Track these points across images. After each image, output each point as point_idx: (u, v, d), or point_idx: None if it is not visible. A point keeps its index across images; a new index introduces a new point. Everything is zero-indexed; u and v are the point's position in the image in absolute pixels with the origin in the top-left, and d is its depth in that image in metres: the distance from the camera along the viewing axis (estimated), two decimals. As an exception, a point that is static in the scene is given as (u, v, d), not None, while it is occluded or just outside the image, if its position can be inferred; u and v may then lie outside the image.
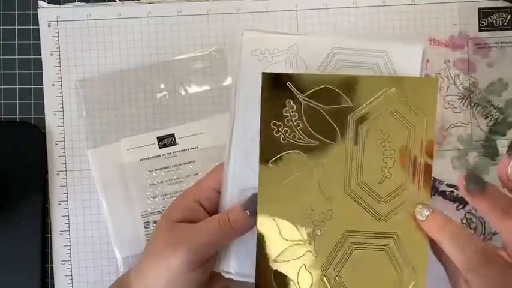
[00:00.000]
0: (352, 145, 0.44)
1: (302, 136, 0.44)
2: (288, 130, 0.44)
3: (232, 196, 0.46)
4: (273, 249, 0.44)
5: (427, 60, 0.52)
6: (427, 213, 0.42)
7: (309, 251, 0.44)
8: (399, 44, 0.45)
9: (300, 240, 0.44)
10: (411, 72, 0.45)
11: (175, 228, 0.45)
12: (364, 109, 0.44)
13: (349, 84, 0.44)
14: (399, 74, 0.45)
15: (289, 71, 0.46)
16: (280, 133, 0.44)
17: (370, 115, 0.44)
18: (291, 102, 0.44)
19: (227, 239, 0.45)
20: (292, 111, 0.44)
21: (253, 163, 0.45)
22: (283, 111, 0.44)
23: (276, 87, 0.44)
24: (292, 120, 0.44)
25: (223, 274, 0.47)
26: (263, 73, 0.44)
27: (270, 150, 0.44)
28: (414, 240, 0.43)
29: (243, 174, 0.46)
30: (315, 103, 0.44)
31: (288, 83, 0.44)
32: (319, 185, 0.44)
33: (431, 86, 0.44)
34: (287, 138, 0.44)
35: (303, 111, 0.44)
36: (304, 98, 0.44)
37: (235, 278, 0.46)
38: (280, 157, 0.44)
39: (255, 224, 0.45)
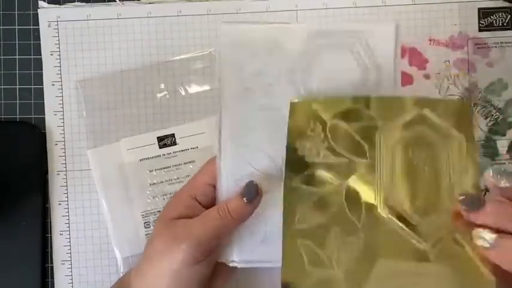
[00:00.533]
0: (382, 164, 0.42)
1: (328, 155, 0.43)
2: (313, 149, 0.43)
3: (228, 188, 0.46)
4: (299, 278, 0.41)
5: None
6: (493, 237, 0.35)
7: (337, 278, 0.40)
8: (373, 24, 0.47)
9: (326, 267, 0.41)
10: (386, 49, 0.45)
11: (174, 225, 0.45)
12: (394, 128, 0.42)
13: (378, 104, 0.43)
14: (376, 52, 0.45)
15: (270, 58, 0.46)
16: (304, 152, 0.43)
17: (400, 134, 0.42)
18: (317, 123, 0.43)
19: (228, 229, 0.45)
20: (317, 131, 0.43)
21: (245, 153, 0.46)
22: (308, 131, 0.43)
23: (302, 112, 0.43)
24: (317, 140, 0.43)
25: (227, 263, 0.47)
26: (291, 102, 0.43)
27: (295, 168, 0.43)
28: (473, 272, 0.37)
29: (235, 165, 0.46)
30: (343, 123, 0.43)
31: (315, 106, 0.43)
32: (347, 206, 0.41)
33: (464, 109, 0.42)
34: (312, 157, 0.43)
35: (329, 130, 0.43)
36: (331, 119, 0.43)
37: (239, 265, 0.47)
38: (305, 175, 0.43)
39: (255, 209, 0.45)
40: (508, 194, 0.39)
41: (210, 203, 0.47)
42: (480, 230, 0.36)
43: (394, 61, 0.45)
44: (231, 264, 0.47)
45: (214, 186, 0.47)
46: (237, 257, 0.46)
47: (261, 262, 0.46)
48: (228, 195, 0.46)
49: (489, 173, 0.39)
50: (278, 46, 0.46)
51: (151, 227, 0.55)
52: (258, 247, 0.46)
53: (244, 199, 0.44)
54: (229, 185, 0.46)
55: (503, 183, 0.38)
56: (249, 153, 0.46)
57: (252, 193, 0.45)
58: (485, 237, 0.35)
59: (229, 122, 0.47)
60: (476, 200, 0.37)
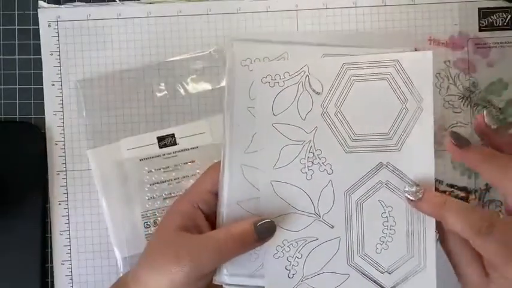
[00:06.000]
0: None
1: None
2: None
3: (229, 209, 0.45)
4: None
5: None
6: (420, 192, 0.41)
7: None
8: (408, 52, 0.44)
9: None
10: (424, 76, 0.43)
11: (177, 238, 0.44)
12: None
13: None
14: (413, 80, 0.44)
15: (304, 92, 0.45)
16: None
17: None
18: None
19: (231, 257, 0.44)
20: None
21: (249, 174, 0.45)
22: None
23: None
24: None
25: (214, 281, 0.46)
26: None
27: None
28: None
29: (239, 187, 0.45)
30: None
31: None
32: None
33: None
34: None
35: None
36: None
37: (229, 280, 0.45)
38: None
39: (263, 243, 0.44)
40: (496, 142, 0.42)
41: (212, 211, 0.46)
42: (406, 187, 0.42)
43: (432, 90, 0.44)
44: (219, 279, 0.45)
45: (216, 194, 0.46)
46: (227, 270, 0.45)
47: (252, 277, 0.45)
48: (228, 216, 0.45)
49: (482, 114, 0.42)
50: (311, 78, 0.45)
51: (151, 227, 0.55)
52: (251, 262, 0.45)
53: (256, 235, 0.43)
54: (231, 206, 0.45)
55: (493, 126, 0.42)
56: (253, 174, 0.45)
57: (266, 234, 0.44)
58: (412, 192, 0.42)
59: (235, 142, 0.45)
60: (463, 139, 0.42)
